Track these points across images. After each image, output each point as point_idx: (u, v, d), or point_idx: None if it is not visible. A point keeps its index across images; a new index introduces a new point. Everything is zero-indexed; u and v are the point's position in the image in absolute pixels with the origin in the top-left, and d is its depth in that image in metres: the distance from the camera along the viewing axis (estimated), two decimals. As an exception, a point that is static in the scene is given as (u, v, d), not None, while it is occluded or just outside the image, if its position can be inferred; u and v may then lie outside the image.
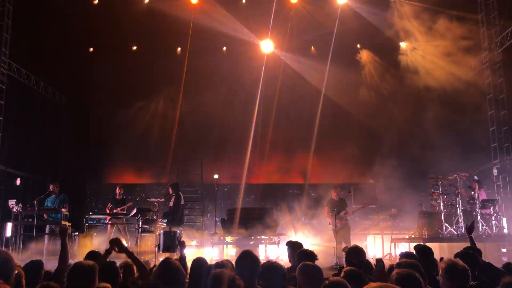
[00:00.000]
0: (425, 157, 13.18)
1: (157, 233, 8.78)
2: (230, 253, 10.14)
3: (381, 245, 10.84)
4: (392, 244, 10.55)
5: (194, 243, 11.37)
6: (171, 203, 9.94)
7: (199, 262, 4.48)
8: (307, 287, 3.63)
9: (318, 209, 12.99)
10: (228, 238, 10.16)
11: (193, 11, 13.29)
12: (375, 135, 14.29)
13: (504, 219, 10.05)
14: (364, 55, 14.75)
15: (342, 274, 3.72)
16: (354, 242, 9.32)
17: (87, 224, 10.72)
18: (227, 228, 10.04)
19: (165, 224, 9.51)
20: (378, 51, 14.53)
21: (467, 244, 5.88)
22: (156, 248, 8.48)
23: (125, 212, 11.11)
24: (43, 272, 4.47)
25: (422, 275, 3.32)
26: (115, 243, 4.58)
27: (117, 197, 11.54)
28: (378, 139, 13.91)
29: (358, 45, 14.80)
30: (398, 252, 9.39)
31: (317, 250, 4.98)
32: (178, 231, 8.90)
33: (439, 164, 11.94)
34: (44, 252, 9.64)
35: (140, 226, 8.94)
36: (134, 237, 9.94)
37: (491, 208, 9.68)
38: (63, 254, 4.41)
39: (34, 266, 4.38)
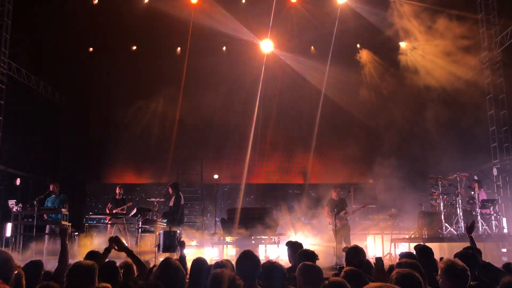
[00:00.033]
0: (425, 157, 13.19)
1: (157, 233, 8.77)
2: (230, 253, 10.14)
3: (381, 245, 10.84)
4: (392, 244, 10.55)
5: (194, 243, 11.37)
6: (171, 203, 9.94)
7: (199, 262, 4.48)
8: (307, 287, 3.63)
9: (318, 209, 13.01)
10: (228, 238, 10.15)
11: (193, 11, 13.29)
12: (375, 135, 14.31)
13: (504, 219, 10.05)
14: (364, 55, 14.75)
15: (342, 274, 3.72)
16: (354, 242, 9.33)
17: (87, 224, 10.71)
18: (227, 228, 10.04)
19: (165, 224, 9.51)
20: (378, 51, 14.54)
21: (467, 244, 5.87)
22: (156, 248, 8.48)
23: (125, 212, 11.11)
24: (42, 272, 4.47)
25: (422, 275, 3.32)
26: (114, 242, 4.59)
27: (117, 197, 11.54)
28: (378, 139, 13.92)
29: (358, 45, 14.81)
30: (398, 252, 9.40)
31: (317, 250, 4.97)
32: (178, 231, 8.89)
33: (439, 164, 11.95)
34: (44, 252, 9.64)
35: (140, 226, 8.94)
36: (134, 237, 9.95)
37: (491, 208, 9.68)
38: (63, 254, 4.41)
39: (34, 266, 4.38)
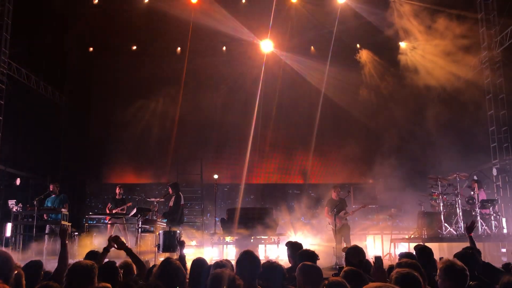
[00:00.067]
0: (425, 157, 13.20)
1: (157, 233, 8.77)
2: (230, 253, 10.13)
3: (381, 245, 10.84)
4: (392, 244, 10.56)
5: (193, 243, 11.37)
6: (171, 203, 9.94)
7: (198, 262, 4.48)
8: (307, 287, 3.63)
9: (317, 209, 13.01)
10: (228, 238, 10.15)
11: (193, 10, 13.29)
12: (375, 135, 14.31)
13: (504, 219, 10.05)
14: (364, 55, 14.75)
15: (342, 274, 3.72)
16: (353, 242, 9.33)
17: (87, 224, 10.71)
18: (227, 228, 10.03)
19: (165, 224, 9.51)
20: (378, 51, 14.54)
21: (467, 244, 5.88)
22: (156, 248, 8.48)
23: (125, 212, 11.11)
24: (42, 272, 4.47)
25: (422, 275, 3.33)
26: (114, 240, 4.60)
27: (117, 197, 11.54)
28: (378, 139, 13.92)
29: (358, 45, 14.80)
30: (398, 252, 9.40)
31: (316, 250, 4.98)
32: (178, 231, 8.89)
33: (439, 164, 11.95)
34: (44, 252, 9.64)
35: (140, 226, 8.94)
36: (134, 237, 9.95)
37: (491, 208, 9.68)
38: (63, 254, 4.42)
39: (34, 266, 4.38)
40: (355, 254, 4.52)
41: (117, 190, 11.55)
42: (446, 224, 9.52)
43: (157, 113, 14.78)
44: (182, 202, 9.96)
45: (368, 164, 13.59)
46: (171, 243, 8.21)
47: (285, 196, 14.66)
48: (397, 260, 4.55)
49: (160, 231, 8.61)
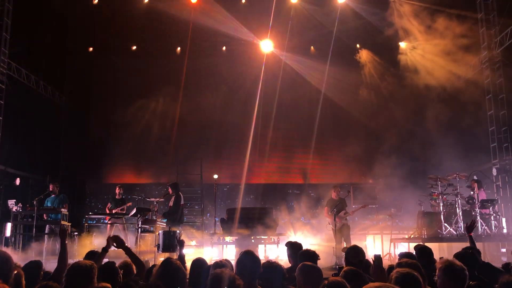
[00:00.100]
0: (425, 157, 13.20)
1: (157, 233, 8.77)
2: (230, 253, 10.13)
3: (381, 245, 10.84)
4: (392, 244, 10.55)
5: (193, 243, 11.37)
6: (170, 203, 9.93)
7: (198, 262, 4.48)
8: (307, 287, 3.63)
9: (317, 209, 13.01)
10: (228, 238, 10.14)
11: (192, 10, 13.29)
12: (375, 135, 14.31)
13: (504, 219, 10.05)
14: (364, 55, 14.75)
15: (342, 274, 3.72)
16: (353, 242, 9.32)
17: (86, 224, 10.72)
18: (226, 228, 10.03)
19: (164, 224, 9.51)
20: (378, 51, 14.54)
21: (467, 244, 5.88)
22: (156, 248, 8.47)
23: (124, 212, 11.11)
24: (42, 272, 4.47)
25: (422, 275, 3.32)
26: (113, 239, 4.59)
27: (116, 197, 11.55)
28: (378, 139, 13.92)
29: (358, 45, 14.80)
30: (398, 252, 9.40)
31: (316, 250, 4.98)
32: (178, 231, 8.89)
33: (439, 164, 11.94)
34: (43, 252, 9.64)
35: (139, 226, 8.94)
36: (134, 237, 9.94)
37: (491, 208, 9.67)
38: (63, 254, 4.42)
39: (34, 266, 4.39)
40: (355, 254, 4.53)
41: (117, 190, 11.56)
42: (446, 224, 9.52)
43: (157, 113, 14.78)
44: (182, 202, 9.97)
45: (368, 164, 13.60)
46: (171, 243, 8.21)
47: (285, 196, 14.66)
48: (397, 260, 4.55)
49: (160, 231, 8.61)
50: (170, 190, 10.02)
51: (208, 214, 14.44)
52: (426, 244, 7.77)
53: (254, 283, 3.59)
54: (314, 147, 14.67)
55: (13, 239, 10.50)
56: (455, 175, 9.82)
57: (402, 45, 13.95)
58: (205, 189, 13.88)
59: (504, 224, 9.96)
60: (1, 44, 11.49)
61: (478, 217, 9.29)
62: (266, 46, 14.18)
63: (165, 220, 9.63)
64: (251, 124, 14.09)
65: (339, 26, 13.47)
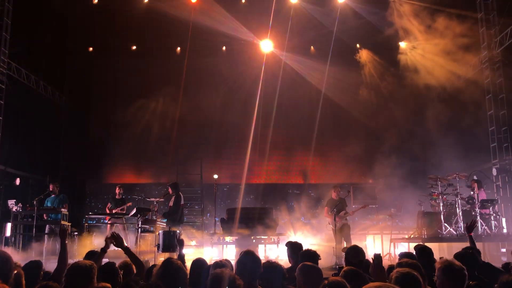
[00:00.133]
0: (425, 157, 13.20)
1: (157, 233, 8.77)
2: (230, 253, 10.13)
3: (381, 245, 10.84)
4: (392, 244, 10.55)
5: (193, 243, 11.36)
6: (171, 203, 9.93)
7: (198, 263, 4.48)
8: (307, 287, 3.63)
9: (317, 209, 13.00)
10: (228, 238, 10.14)
11: (192, 10, 13.30)
12: (375, 135, 14.30)
13: (503, 219, 10.04)
14: (364, 55, 14.75)
15: (342, 273, 3.72)
16: (353, 242, 9.32)
17: (86, 224, 10.72)
18: (226, 228, 10.03)
19: (164, 224, 9.51)
20: (378, 51, 14.54)
21: (467, 244, 5.88)
22: (156, 248, 8.47)
23: (124, 212, 11.12)
24: (42, 272, 4.47)
25: (422, 275, 3.32)
26: (113, 238, 4.59)
27: (116, 197, 11.55)
28: (378, 138, 13.91)
29: (358, 45, 14.80)
30: (398, 252, 9.39)
31: (316, 250, 4.98)
32: (178, 231, 8.89)
33: (439, 164, 11.94)
34: (43, 252, 9.65)
35: (139, 225, 8.94)
36: (134, 237, 9.94)
37: (491, 208, 9.67)
38: (63, 254, 4.42)
39: (34, 266, 4.39)
40: (355, 254, 4.53)
41: (117, 190, 11.56)
42: (446, 224, 9.52)
43: (157, 113, 14.78)
44: (182, 202, 9.96)
45: (368, 164, 13.60)
46: (171, 243, 8.20)
47: (285, 196, 14.66)
48: (397, 260, 4.55)
49: (160, 231, 8.61)
50: (170, 190, 10.02)
51: (208, 214, 14.44)
52: (426, 244, 7.77)
53: (255, 283, 3.59)
54: (314, 147, 14.67)
55: (13, 239, 10.50)
56: (455, 175, 9.82)
57: (402, 45, 13.95)
58: (205, 189, 13.88)
59: (504, 224, 9.96)
60: (1, 44, 11.49)
61: (478, 217, 9.29)
62: (266, 46, 14.18)
63: (165, 220, 9.63)
64: (251, 124, 14.08)
65: (339, 26, 13.47)
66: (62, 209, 10.41)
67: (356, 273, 3.72)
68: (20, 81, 12.66)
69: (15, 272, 3.53)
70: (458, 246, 6.77)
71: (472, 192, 9.78)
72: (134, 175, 15.11)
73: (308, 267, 3.74)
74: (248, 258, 3.71)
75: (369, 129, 14.63)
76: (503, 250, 9.87)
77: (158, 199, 10.26)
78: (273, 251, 10.12)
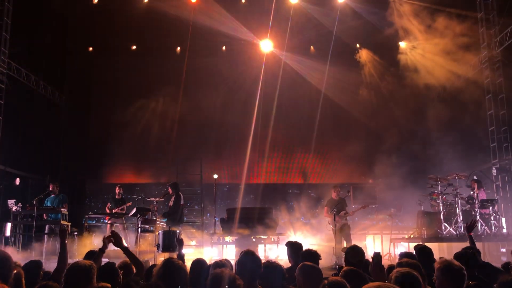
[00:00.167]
0: (425, 157, 13.19)
1: (157, 233, 8.77)
2: (230, 253, 10.13)
3: (381, 245, 10.84)
4: (391, 244, 10.55)
5: (193, 242, 11.37)
6: (170, 203, 9.93)
7: (198, 263, 4.48)
8: (307, 287, 3.63)
9: (317, 209, 13.00)
10: (228, 238, 10.15)
11: (192, 10, 13.29)
12: (375, 135, 14.30)
13: (503, 219, 10.04)
14: (364, 55, 14.75)
15: (341, 273, 3.72)
16: (353, 242, 9.32)
17: (86, 223, 10.72)
18: (226, 228, 10.03)
19: (164, 224, 9.51)
20: (378, 50, 14.54)
21: (467, 244, 5.88)
22: (156, 248, 8.47)
23: (124, 211, 11.11)
24: (42, 272, 4.47)
25: (422, 275, 3.32)
26: (112, 236, 4.59)
27: (116, 196, 11.55)
28: (378, 138, 13.91)
29: (358, 45, 14.80)
30: (398, 252, 9.39)
31: (316, 250, 4.99)
32: (178, 231, 8.89)
33: (439, 164, 11.94)
34: (43, 251, 9.65)
35: (139, 225, 8.94)
36: (134, 236, 9.94)
37: (490, 208, 9.67)
38: (63, 254, 4.42)
39: (33, 266, 4.39)
40: (354, 254, 4.52)
41: (117, 190, 11.56)
42: (445, 224, 9.52)
43: (157, 113, 14.78)
44: (182, 202, 9.96)
45: (368, 164, 13.59)
46: (171, 243, 8.20)
47: (285, 196, 14.66)
48: (396, 260, 4.55)
49: (160, 231, 8.61)
50: (170, 190, 10.02)
51: (208, 214, 14.44)
52: (426, 244, 7.77)
53: (255, 283, 3.58)
54: (314, 147, 14.68)
55: (13, 239, 10.49)
56: (455, 175, 9.82)
57: (402, 44, 13.95)
58: (205, 189, 13.88)
59: (504, 224, 9.95)
60: (1, 44, 11.49)
61: (478, 217, 9.29)
62: (266, 46, 14.18)
63: (165, 220, 9.63)
64: (251, 124, 14.08)
65: (339, 26, 13.47)
66: (62, 209, 10.41)
67: (355, 273, 3.72)
68: (20, 81, 12.65)
69: (15, 272, 3.52)
70: (458, 246, 6.76)
71: (472, 192, 9.78)
72: (134, 175, 15.11)
73: (308, 267, 3.74)
74: (248, 258, 3.70)
75: (369, 129, 14.63)
76: (503, 250, 9.87)
77: (158, 199, 10.26)
78: (273, 251, 10.12)
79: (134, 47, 15.02)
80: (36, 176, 13.33)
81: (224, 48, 15.12)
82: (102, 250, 4.51)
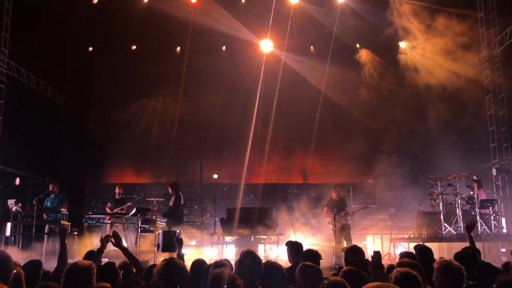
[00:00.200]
0: (425, 157, 13.19)
1: (157, 233, 8.77)
2: (230, 253, 10.13)
3: (381, 245, 10.84)
4: (391, 244, 10.55)
5: (193, 242, 11.37)
6: (170, 203, 9.93)
7: (198, 263, 4.47)
8: (307, 287, 3.63)
9: (317, 209, 13.00)
10: (228, 238, 10.15)
11: (192, 10, 13.29)
12: (375, 135, 14.29)
13: (503, 219, 10.04)
14: (364, 55, 14.74)
15: (341, 273, 3.72)
16: (353, 242, 9.32)
17: (86, 223, 10.72)
18: (226, 228, 10.03)
19: (164, 224, 9.51)
20: (378, 50, 14.53)
21: (467, 244, 5.88)
22: (156, 248, 8.47)
23: (124, 211, 11.11)
24: (42, 272, 4.47)
25: (422, 275, 3.32)
26: (113, 237, 4.59)
27: (116, 196, 11.55)
28: (378, 138, 13.90)
29: (358, 45, 14.79)
30: (398, 252, 9.39)
31: (316, 250, 5.00)
32: (178, 231, 8.89)
33: (439, 164, 11.94)
34: (43, 251, 9.64)
35: (139, 225, 8.93)
36: (134, 236, 9.94)
37: (490, 208, 9.67)
38: (62, 254, 4.42)
39: (33, 266, 4.38)
40: (354, 253, 4.53)
41: (117, 190, 11.56)
42: (445, 224, 9.52)
43: (157, 113, 14.78)
44: (182, 202, 9.97)
45: (368, 163, 13.58)
46: (171, 242, 8.20)
47: (285, 196, 14.66)
48: (396, 260, 4.55)
49: (160, 231, 8.61)
50: (170, 190, 10.02)
51: (208, 214, 14.44)
52: (426, 244, 7.77)
53: (255, 283, 3.58)
54: (314, 147, 14.68)
55: (12, 238, 10.49)
56: (455, 175, 9.82)
57: (402, 44, 13.94)
58: (205, 189, 13.88)
59: (504, 224, 9.96)
60: (1, 44, 11.48)
61: (478, 217, 9.29)
62: (266, 46, 14.18)
63: (165, 220, 9.63)
64: (251, 124, 14.08)
65: (339, 26, 13.46)
66: (62, 209, 10.40)
67: (355, 273, 3.72)
68: (20, 81, 12.65)
69: (15, 271, 3.52)
70: (458, 246, 6.76)
71: (472, 192, 9.78)
72: (134, 175, 15.11)
73: (308, 267, 3.74)
74: (248, 258, 3.70)
75: (369, 129, 14.61)
76: (503, 250, 9.88)
77: (158, 199, 10.26)
78: (273, 251, 10.13)
79: (134, 47, 15.01)
80: (36, 176, 13.32)
81: (224, 48, 15.12)
82: (101, 250, 4.50)
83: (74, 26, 14.45)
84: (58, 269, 4.20)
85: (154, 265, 4.43)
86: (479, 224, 9.16)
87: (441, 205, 9.65)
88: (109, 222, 11.11)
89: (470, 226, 5.92)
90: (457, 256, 4.26)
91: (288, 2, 13.34)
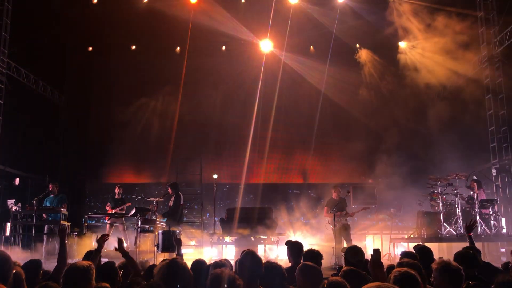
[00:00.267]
0: (425, 157, 13.19)
1: (156, 233, 8.77)
2: (229, 253, 10.13)
3: (380, 245, 10.83)
4: (391, 244, 10.55)
5: (193, 243, 11.36)
6: (170, 203, 9.93)
7: (198, 264, 4.47)
8: (307, 287, 3.62)
9: (317, 209, 13.00)
10: (227, 238, 10.15)
11: (192, 10, 13.29)
12: (375, 135, 14.28)
13: (503, 219, 10.05)
14: (364, 54, 14.73)
15: (341, 273, 3.71)
16: (353, 242, 9.32)
17: (86, 223, 10.70)
18: (226, 228, 10.03)
19: (164, 224, 9.51)
20: (378, 50, 14.53)
21: (466, 244, 5.86)
22: (155, 248, 8.47)
23: (124, 211, 11.11)
24: (41, 272, 4.47)
25: (422, 275, 3.32)
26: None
27: (116, 196, 11.54)
28: (378, 138, 13.90)
29: (357, 44, 14.79)
30: (397, 252, 9.39)
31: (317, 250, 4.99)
32: (177, 231, 8.89)
33: (439, 164, 11.94)
34: (43, 251, 9.64)
35: (139, 225, 8.93)
36: (133, 236, 9.93)
37: (490, 208, 9.67)
38: (62, 254, 4.42)
39: (33, 266, 4.37)
40: (353, 253, 4.52)
41: (117, 190, 11.55)
42: (445, 224, 9.52)
43: (156, 112, 14.78)
44: (182, 202, 9.95)
45: (368, 163, 13.58)
46: (171, 243, 8.20)
47: (285, 196, 14.65)
48: (396, 260, 4.55)
49: (160, 231, 8.61)
50: (169, 190, 10.01)
51: (208, 214, 14.43)
52: (426, 244, 7.77)
53: (255, 283, 3.58)
54: (314, 147, 14.68)
55: (12, 238, 10.48)
56: (455, 175, 9.82)
57: (402, 44, 13.94)
58: (204, 189, 13.88)
59: (503, 224, 9.96)
60: (1, 44, 11.49)
61: (478, 217, 9.28)
62: (266, 45, 14.18)
63: (164, 220, 9.62)
64: (251, 124, 14.08)
65: (339, 25, 13.47)
66: (62, 209, 10.40)
67: (355, 273, 3.72)
68: (20, 81, 12.65)
69: (15, 271, 3.52)
70: (458, 246, 6.76)
71: (471, 192, 9.78)
72: (133, 175, 15.10)
73: (308, 267, 3.74)
74: (248, 258, 3.70)
75: (369, 128, 14.61)
76: (503, 250, 9.88)
77: (157, 199, 10.26)
78: (273, 251, 10.12)
79: (133, 47, 15.01)
80: (35, 176, 13.32)
81: (223, 48, 15.12)
82: (98, 250, 4.50)
83: (74, 26, 14.42)
84: (58, 269, 4.20)
85: (154, 265, 4.43)
86: (479, 224, 9.16)
87: (441, 205, 9.64)
88: (108, 222, 11.11)
89: (470, 226, 5.91)
90: (457, 256, 4.25)
91: (288, 2, 13.34)
